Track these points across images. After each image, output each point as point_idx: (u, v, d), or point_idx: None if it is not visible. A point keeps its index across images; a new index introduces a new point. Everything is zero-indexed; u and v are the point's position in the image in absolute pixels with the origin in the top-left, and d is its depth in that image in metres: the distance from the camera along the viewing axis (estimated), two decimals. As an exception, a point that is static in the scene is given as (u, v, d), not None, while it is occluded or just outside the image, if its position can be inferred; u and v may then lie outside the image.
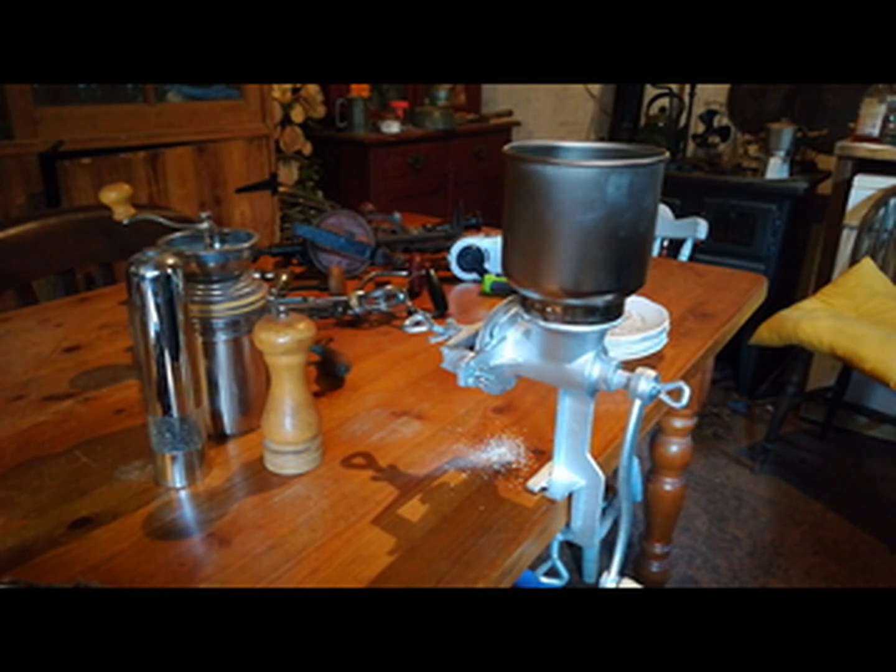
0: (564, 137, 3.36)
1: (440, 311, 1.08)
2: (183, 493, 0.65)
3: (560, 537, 0.66)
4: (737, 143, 2.86)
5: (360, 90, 2.81)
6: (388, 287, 0.99)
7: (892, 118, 2.24)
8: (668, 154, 0.51)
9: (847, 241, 2.29)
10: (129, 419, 0.77)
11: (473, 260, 1.22)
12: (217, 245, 0.72)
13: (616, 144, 0.56)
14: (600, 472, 0.61)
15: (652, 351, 0.91)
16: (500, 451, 0.72)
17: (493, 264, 1.22)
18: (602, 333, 0.56)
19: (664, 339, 0.93)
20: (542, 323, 0.55)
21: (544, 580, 0.69)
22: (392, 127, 2.78)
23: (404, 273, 1.18)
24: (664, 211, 1.83)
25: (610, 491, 0.64)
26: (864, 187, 2.22)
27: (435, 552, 0.57)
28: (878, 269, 2.14)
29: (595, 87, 3.29)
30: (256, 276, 0.75)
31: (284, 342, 0.62)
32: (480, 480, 0.67)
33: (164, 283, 0.59)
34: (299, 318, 0.64)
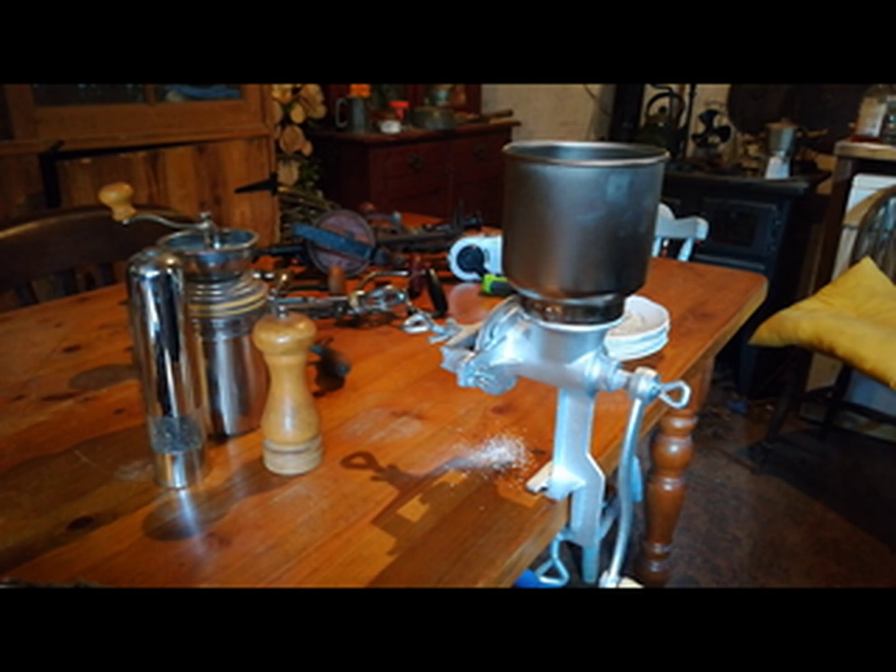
0: (564, 137, 3.36)
1: (440, 311, 1.08)
2: (183, 493, 0.65)
3: (560, 537, 0.66)
4: (737, 143, 2.86)
5: (360, 90, 2.81)
6: (388, 287, 0.99)
7: (892, 118, 2.24)
8: (668, 154, 0.51)
9: (847, 241, 2.29)
10: (129, 419, 0.77)
11: (473, 260, 1.22)
12: (217, 245, 0.72)
13: (616, 144, 0.56)
14: (600, 472, 0.61)
15: (652, 351, 0.91)
16: (500, 451, 0.72)
17: (493, 264, 1.22)
18: (602, 333, 0.56)
19: (664, 339, 0.93)
20: (542, 323, 0.55)
21: (544, 580, 0.69)
22: (392, 127, 2.78)
23: (404, 273, 1.18)
24: (664, 211, 1.83)
25: (610, 491, 0.64)
26: (864, 187, 2.22)
27: (435, 552, 0.57)
28: (878, 269, 2.14)
29: (595, 87, 3.29)
30: (256, 276, 0.75)
31: (284, 342, 0.62)
32: (480, 480, 0.67)
33: (164, 283, 0.59)
34: (299, 318, 0.64)
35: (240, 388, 0.73)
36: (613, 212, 0.49)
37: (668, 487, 1.45)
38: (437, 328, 0.62)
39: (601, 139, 3.28)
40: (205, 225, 0.71)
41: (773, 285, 1.59)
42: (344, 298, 1.01)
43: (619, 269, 0.51)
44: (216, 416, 0.73)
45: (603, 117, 3.30)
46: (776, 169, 2.48)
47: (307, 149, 2.78)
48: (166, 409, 0.63)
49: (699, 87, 2.89)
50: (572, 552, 1.78)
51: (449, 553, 0.57)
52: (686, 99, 2.88)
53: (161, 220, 0.71)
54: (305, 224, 1.21)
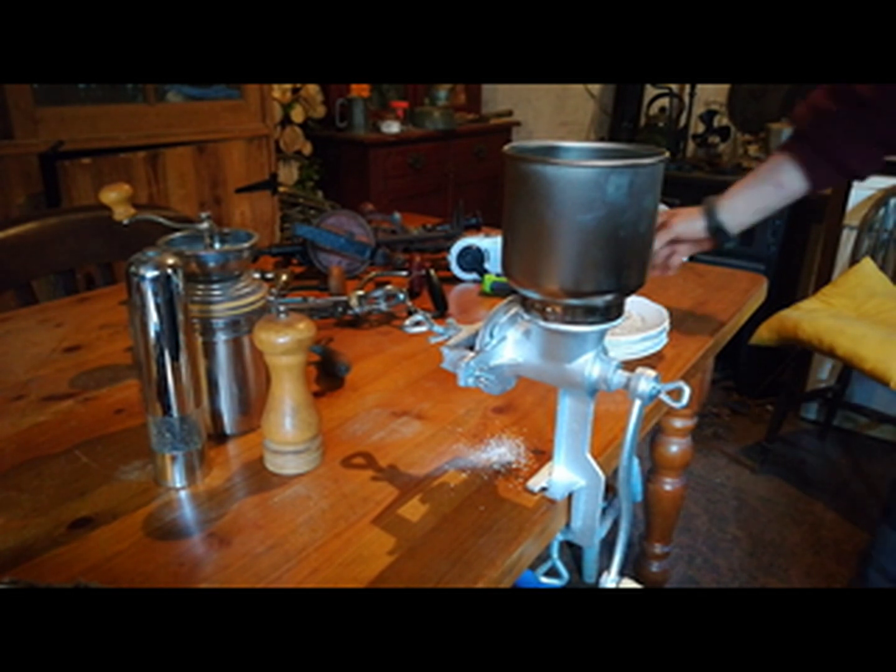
0: (564, 137, 3.36)
1: (440, 311, 1.08)
2: (183, 493, 0.65)
3: (560, 537, 0.66)
4: (737, 143, 2.86)
5: (360, 90, 2.81)
6: (388, 287, 0.99)
7: (892, 118, 2.24)
8: (668, 154, 0.51)
9: (847, 241, 2.29)
10: (129, 419, 0.77)
11: (473, 260, 1.22)
12: (217, 245, 0.72)
13: (616, 144, 0.56)
14: (600, 472, 0.61)
15: (652, 351, 0.91)
16: (500, 451, 0.72)
17: (493, 264, 1.22)
18: (602, 333, 0.56)
19: (664, 339, 0.93)
20: (542, 323, 0.55)
21: (544, 580, 0.69)
22: (392, 127, 2.78)
23: (404, 273, 1.18)
24: (664, 211, 1.83)
25: (610, 491, 0.64)
26: (864, 187, 2.22)
27: (435, 552, 0.57)
28: (878, 269, 2.14)
29: (595, 87, 3.29)
30: (256, 276, 0.75)
31: (284, 342, 0.62)
32: (480, 480, 0.67)
33: (164, 283, 0.59)
34: (299, 318, 0.64)
35: (240, 388, 0.73)
36: (613, 212, 0.49)
37: (668, 487, 1.45)
38: (437, 328, 0.62)
39: (601, 139, 3.29)
40: (205, 225, 0.71)
41: (773, 285, 1.59)
42: (344, 298, 1.01)
43: (619, 269, 0.51)
44: (216, 416, 0.73)
45: (603, 117, 3.30)
46: (776, 169, 2.47)
47: (307, 149, 2.78)
48: (166, 409, 0.63)
49: (699, 87, 2.89)
50: (572, 552, 1.78)
51: (449, 553, 0.57)
52: (686, 99, 2.88)
53: (161, 220, 0.71)
54: (305, 224, 1.21)
